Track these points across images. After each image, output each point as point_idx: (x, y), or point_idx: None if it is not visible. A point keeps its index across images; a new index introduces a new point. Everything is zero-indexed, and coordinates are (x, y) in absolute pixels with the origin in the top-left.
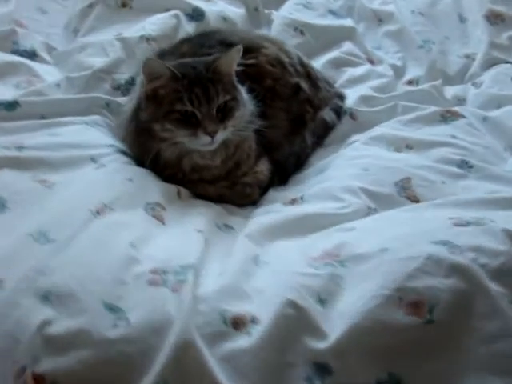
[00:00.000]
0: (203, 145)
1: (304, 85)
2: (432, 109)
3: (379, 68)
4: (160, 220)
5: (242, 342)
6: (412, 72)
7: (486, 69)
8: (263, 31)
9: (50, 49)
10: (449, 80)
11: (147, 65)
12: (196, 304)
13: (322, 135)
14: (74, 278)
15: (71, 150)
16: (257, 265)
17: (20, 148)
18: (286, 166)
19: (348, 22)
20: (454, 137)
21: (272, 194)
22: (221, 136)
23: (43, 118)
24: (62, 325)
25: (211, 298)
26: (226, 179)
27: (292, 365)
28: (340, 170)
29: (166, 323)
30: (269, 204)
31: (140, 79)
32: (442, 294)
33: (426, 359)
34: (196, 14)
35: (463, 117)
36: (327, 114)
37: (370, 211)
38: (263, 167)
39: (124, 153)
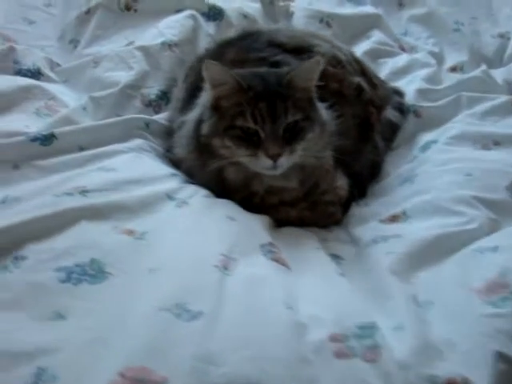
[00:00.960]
0: (265, 168)
1: (364, 84)
2: (502, 98)
3: (418, 56)
4: (284, 264)
5: None
6: (453, 58)
7: None
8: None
9: (53, 64)
10: (487, 63)
11: (208, 68)
12: (400, 373)
13: (390, 137)
14: (249, 362)
15: (138, 187)
16: (422, 307)
17: (84, 192)
18: (363, 177)
19: (371, 9)
20: None
21: (357, 210)
22: (286, 161)
23: (82, 149)
24: None
25: (411, 361)
26: (305, 200)
27: None
28: (436, 179)
29: None
30: (361, 223)
31: (205, 85)
32: None
33: None
34: (214, 13)
35: None
36: (391, 114)
37: (494, 224)
38: (342, 182)
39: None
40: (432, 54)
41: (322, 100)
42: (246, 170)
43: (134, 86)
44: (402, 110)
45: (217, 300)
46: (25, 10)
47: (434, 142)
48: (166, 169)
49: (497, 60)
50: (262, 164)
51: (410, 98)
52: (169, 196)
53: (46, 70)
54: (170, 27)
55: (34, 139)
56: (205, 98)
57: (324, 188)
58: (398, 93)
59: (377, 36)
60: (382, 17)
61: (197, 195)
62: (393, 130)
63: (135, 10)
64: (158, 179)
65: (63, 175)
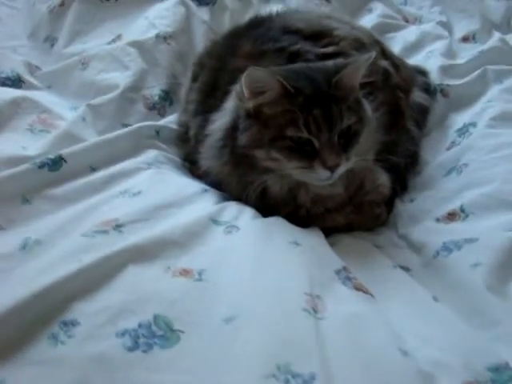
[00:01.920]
0: (319, 180)
1: (389, 67)
2: None
3: (428, 28)
4: (367, 292)
5: None
6: (463, 27)
7: None
8: (280, 5)
9: (32, 68)
10: (495, 29)
11: (251, 76)
12: None
13: (422, 122)
14: None
15: (174, 212)
16: None
17: (119, 228)
18: (401, 170)
19: None
20: None
21: (402, 208)
22: (342, 169)
23: (93, 170)
24: None
25: None
26: (350, 204)
27: None
28: (490, 168)
29: None
30: (412, 223)
31: (235, 91)
32: None
33: None
34: None
35: None
36: (419, 96)
37: None
38: (383, 179)
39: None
40: (441, 24)
41: None
42: (290, 180)
43: (134, 88)
44: (429, 90)
45: (323, 355)
46: None
47: (473, 124)
48: (193, 184)
49: (504, 24)
50: (318, 176)
51: (433, 76)
52: (213, 220)
53: (27, 76)
54: (161, 17)
55: (42, 165)
56: (234, 102)
57: (368, 188)
58: (422, 72)
59: (379, 9)
60: None
61: (243, 216)
62: (423, 113)
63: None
64: (192, 199)
65: (82, 205)
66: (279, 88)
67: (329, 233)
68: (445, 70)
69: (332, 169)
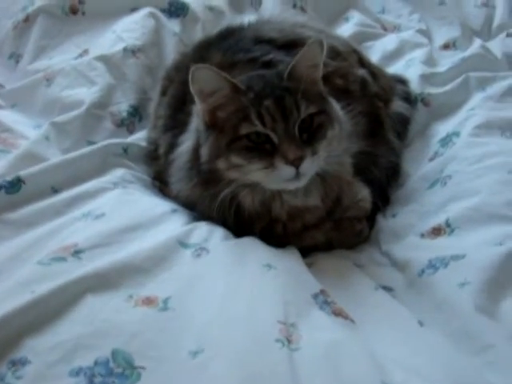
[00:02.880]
0: (287, 180)
1: (367, 76)
2: None
3: (407, 36)
4: (347, 317)
5: None
6: (443, 34)
7: None
8: (253, 16)
9: None
10: (476, 35)
11: (196, 76)
12: None
13: (403, 132)
14: None
15: (140, 235)
16: None
17: (78, 254)
18: (382, 183)
19: None
20: None
21: (384, 223)
22: (310, 165)
23: (56, 191)
24: None
25: None
26: (329, 219)
27: None
28: (475, 179)
29: None
30: (395, 239)
31: (195, 107)
32: None
33: None
34: (175, 8)
35: None
36: (399, 106)
37: None
38: (364, 192)
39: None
40: (421, 32)
41: None
42: (262, 191)
43: (101, 104)
44: (409, 99)
45: None
46: None
47: (456, 134)
48: (162, 204)
49: (484, 31)
50: (282, 174)
51: (413, 84)
52: (181, 243)
53: None
54: (130, 30)
55: None
56: (197, 121)
57: (347, 203)
58: (402, 81)
59: (356, 17)
60: None
61: (213, 237)
62: (404, 123)
63: (83, 13)
64: (160, 220)
65: (42, 230)
66: (228, 87)
67: (308, 252)
68: (425, 79)
69: (295, 163)
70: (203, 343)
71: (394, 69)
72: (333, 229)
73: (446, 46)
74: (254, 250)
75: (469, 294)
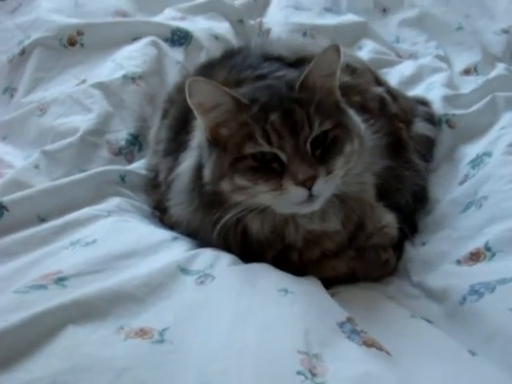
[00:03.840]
0: (298, 203)
1: (386, 95)
2: None
3: (425, 61)
4: (381, 349)
5: None
6: (463, 59)
7: None
8: None
9: None
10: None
11: (193, 89)
12: None
13: (428, 155)
14: None
15: (135, 262)
16: None
17: (61, 281)
18: (409, 208)
19: (355, 18)
20: None
21: (414, 252)
22: (324, 186)
23: (42, 220)
24: None
25: None
26: (350, 246)
27: None
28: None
29: None
30: (427, 269)
31: (198, 123)
32: None
33: None
34: (179, 37)
35: None
36: (422, 127)
37: None
38: (389, 218)
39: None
40: (439, 57)
41: None
42: (272, 215)
43: (97, 132)
44: (433, 121)
45: None
46: None
47: (488, 154)
48: (162, 232)
49: (506, 58)
50: (292, 197)
51: (436, 106)
52: (183, 269)
53: None
54: (130, 58)
55: None
56: (199, 137)
57: (370, 229)
58: (423, 102)
59: (370, 45)
60: (368, 25)
61: (220, 263)
62: (429, 145)
63: (81, 45)
64: (159, 247)
65: (24, 259)
66: (229, 101)
67: (329, 284)
68: (448, 100)
69: (307, 184)
70: (207, 379)
71: (414, 93)
72: (355, 258)
73: (466, 71)
74: (267, 274)
75: None
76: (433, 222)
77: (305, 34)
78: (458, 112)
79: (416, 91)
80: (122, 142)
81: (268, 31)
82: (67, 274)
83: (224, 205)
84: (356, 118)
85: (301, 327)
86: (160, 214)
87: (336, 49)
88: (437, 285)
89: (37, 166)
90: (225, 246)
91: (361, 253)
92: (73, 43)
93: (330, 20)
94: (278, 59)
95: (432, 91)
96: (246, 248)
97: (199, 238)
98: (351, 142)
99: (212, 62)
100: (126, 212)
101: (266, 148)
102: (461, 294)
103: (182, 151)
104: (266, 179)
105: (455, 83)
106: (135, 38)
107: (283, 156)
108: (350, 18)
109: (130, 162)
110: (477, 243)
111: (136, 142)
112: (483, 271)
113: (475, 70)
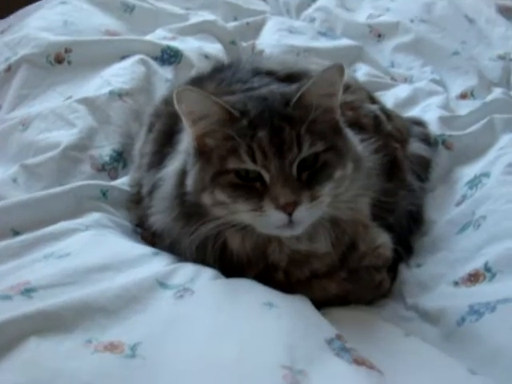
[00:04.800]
0: (277, 227)
1: (380, 113)
2: None
3: (421, 85)
4: (372, 367)
5: None
6: (459, 84)
7: None
8: None
9: None
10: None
11: (183, 97)
12: None
13: (424, 175)
14: None
15: (110, 275)
16: None
17: (28, 292)
18: (403, 229)
19: (349, 42)
20: None
21: (408, 274)
22: (306, 214)
23: (17, 233)
24: None
25: None
26: (341, 268)
27: None
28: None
29: None
30: (423, 291)
31: (186, 129)
32: None
33: None
34: (169, 56)
35: None
36: (419, 148)
37: None
38: (383, 238)
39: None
40: (434, 81)
41: None
42: (254, 233)
43: (79, 147)
44: (429, 141)
45: None
46: None
47: (486, 174)
48: (142, 247)
49: (503, 83)
50: (271, 221)
51: (433, 127)
52: (161, 283)
53: None
54: (118, 75)
55: None
56: (187, 142)
57: (363, 249)
58: (418, 123)
59: (364, 69)
60: (363, 49)
61: (201, 277)
62: (425, 165)
63: (69, 62)
64: (137, 262)
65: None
66: (221, 112)
67: (319, 306)
68: (445, 121)
69: (287, 209)
70: None
71: (409, 115)
72: (348, 279)
73: (463, 96)
74: (250, 288)
75: None
76: (428, 244)
77: (298, 55)
78: (454, 133)
79: (411, 113)
80: (106, 158)
81: (261, 52)
82: (35, 285)
83: (204, 217)
84: (353, 140)
85: (285, 342)
86: (142, 231)
87: (339, 68)
88: (432, 306)
89: (15, 180)
90: (201, 260)
91: (353, 274)
92: (60, 60)
93: (325, 43)
94: (269, 74)
95: (428, 113)
96: (225, 264)
97: (176, 250)
98: (343, 167)
99: (201, 76)
100: (105, 228)
101: (249, 165)
102: (459, 315)
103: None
104: (246, 198)
105: (451, 106)
106: (124, 56)
107: (266, 176)
108: (344, 41)
109: (114, 178)
110: (475, 264)
111: (120, 159)
112: (483, 292)
113: (472, 94)
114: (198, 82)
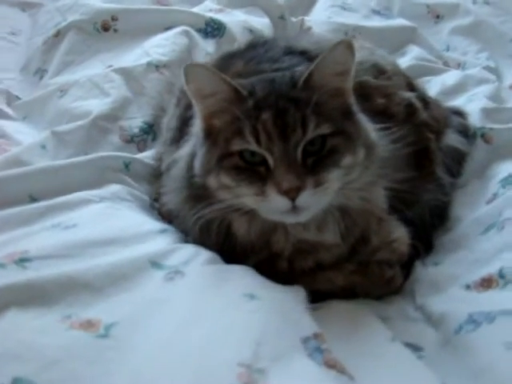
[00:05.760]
0: (280, 213)
1: (416, 101)
2: None
3: (472, 72)
4: (343, 371)
5: None
6: None
7: None
8: None
9: (11, 98)
10: None
11: (190, 74)
12: None
13: (456, 169)
14: None
15: (109, 251)
16: None
17: (23, 262)
18: (425, 225)
19: (404, 22)
20: None
21: (424, 272)
22: (310, 199)
23: (34, 200)
24: None
25: None
26: (350, 260)
27: None
28: None
29: None
30: (434, 291)
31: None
32: None
33: None
34: (212, 28)
35: None
36: (454, 139)
37: None
38: (400, 233)
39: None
40: (488, 69)
41: None
42: (261, 219)
43: (110, 117)
44: (467, 133)
45: None
46: None
47: None
48: (152, 223)
49: None
50: (274, 206)
51: (474, 119)
52: (154, 263)
53: (3, 106)
54: (159, 46)
55: None
56: (197, 125)
57: (376, 243)
58: (459, 113)
59: (415, 51)
60: (418, 30)
61: (195, 260)
62: (458, 159)
63: (115, 31)
64: (141, 238)
65: (3, 237)
66: (228, 90)
67: (322, 298)
68: (488, 113)
69: (290, 194)
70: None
71: (454, 104)
72: (356, 272)
73: None
74: (239, 276)
75: None
76: (450, 242)
77: (346, 35)
78: (496, 126)
79: (457, 102)
80: (136, 130)
81: (308, 29)
82: (32, 255)
83: (210, 199)
84: (367, 126)
85: (254, 338)
86: (159, 206)
87: (347, 45)
88: (436, 309)
89: (44, 147)
90: (204, 243)
91: (363, 267)
92: (106, 28)
93: (377, 23)
94: (302, 53)
95: (473, 102)
96: (228, 249)
97: (183, 230)
98: (353, 154)
99: (233, 52)
100: (122, 200)
101: (253, 146)
102: (457, 322)
103: (185, 140)
104: (249, 182)
105: (502, 97)
106: (168, 27)
107: (270, 160)
108: (398, 22)
109: (142, 151)
110: (490, 268)
111: (150, 131)
112: (491, 299)
113: None
114: (228, 58)
